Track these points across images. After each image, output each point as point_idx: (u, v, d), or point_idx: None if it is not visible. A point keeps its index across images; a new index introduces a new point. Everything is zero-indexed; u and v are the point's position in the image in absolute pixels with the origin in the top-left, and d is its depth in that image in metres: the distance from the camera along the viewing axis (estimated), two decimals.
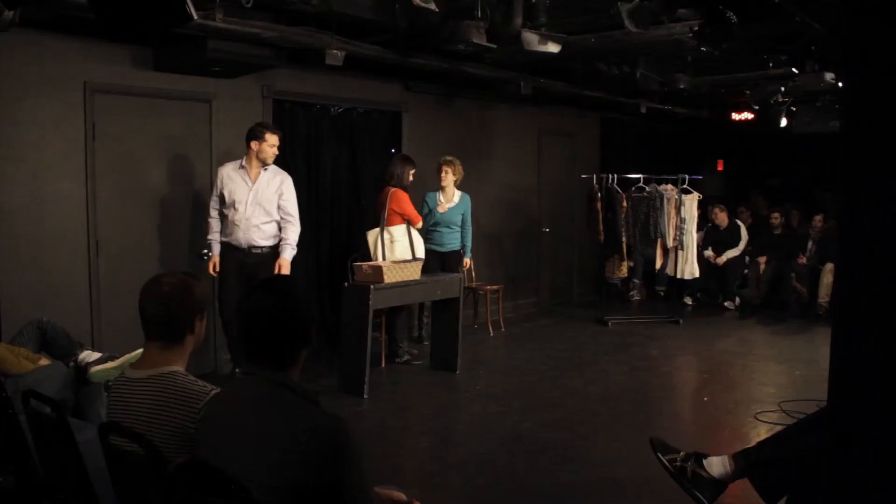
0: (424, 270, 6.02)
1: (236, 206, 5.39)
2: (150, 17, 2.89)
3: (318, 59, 5.43)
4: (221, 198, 5.46)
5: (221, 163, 5.90)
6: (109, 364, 3.79)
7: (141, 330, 2.19)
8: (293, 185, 5.61)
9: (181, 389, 2.08)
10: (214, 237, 5.54)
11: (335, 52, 5.38)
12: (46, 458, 2.37)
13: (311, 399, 1.89)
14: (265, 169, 5.45)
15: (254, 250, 5.43)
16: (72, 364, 3.86)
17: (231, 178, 5.42)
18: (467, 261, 6.97)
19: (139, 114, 5.53)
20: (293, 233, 5.53)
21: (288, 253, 5.50)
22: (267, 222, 5.45)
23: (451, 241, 6.79)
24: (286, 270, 5.44)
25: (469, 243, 6.89)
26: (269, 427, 1.80)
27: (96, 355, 3.89)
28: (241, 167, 5.42)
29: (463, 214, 6.78)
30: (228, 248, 5.48)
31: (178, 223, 5.81)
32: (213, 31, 4.68)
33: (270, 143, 5.37)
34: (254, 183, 5.40)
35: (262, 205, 5.41)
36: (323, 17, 5.18)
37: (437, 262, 6.69)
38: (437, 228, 6.73)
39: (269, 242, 5.50)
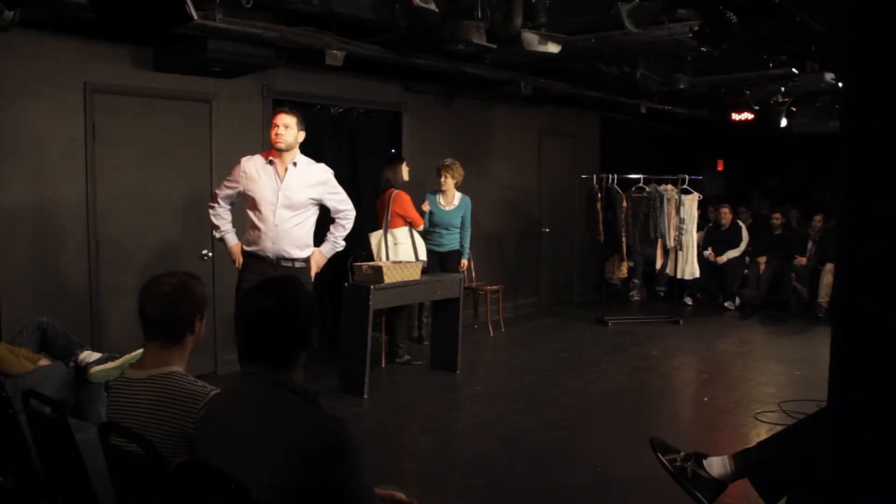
0: (423, 270, 6.03)
1: (261, 208, 4.58)
2: (150, 17, 2.89)
3: (318, 59, 5.43)
4: (242, 196, 4.70)
5: (220, 163, 5.89)
6: (109, 364, 3.80)
7: (141, 330, 2.19)
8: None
9: (181, 390, 2.08)
10: (226, 226, 4.78)
11: (335, 52, 5.37)
12: (46, 458, 2.37)
13: (312, 399, 1.89)
14: (294, 164, 4.64)
15: (283, 263, 4.62)
16: (72, 364, 3.87)
17: (257, 174, 4.61)
18: (465, 262, 6.97)
19: (139, 114, 5.53)
20: (342, 231, 4.90)
21: (326, 247, 4.89)
22: (297, 225, 4.64)
23: (450, 241, 6.80)
24: (315, 263, 4.82)
25: (467, 244, 6.89)
26: (269, 427, 1.80)
27: (96, 355, 3.89)
28: (270, 162, 4.63)
29: (463, 216, 6.78)
30: (253, 259, 4.66)
31: (178, 223, 5.80)
32: (213, 31, 4.68)
33: (274, 125, 4.60)
34: (282, 180, 4.59)
35: (294, 206, 4.62)
36: (323, 17, 5.18)
37: (436, 261, 6.70)
38: (437, 230, 6.75)
39: (303, 253, 4.70)
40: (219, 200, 4.77)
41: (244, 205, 4.76)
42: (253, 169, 4.63)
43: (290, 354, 1.93)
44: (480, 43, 5.10)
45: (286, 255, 4.64)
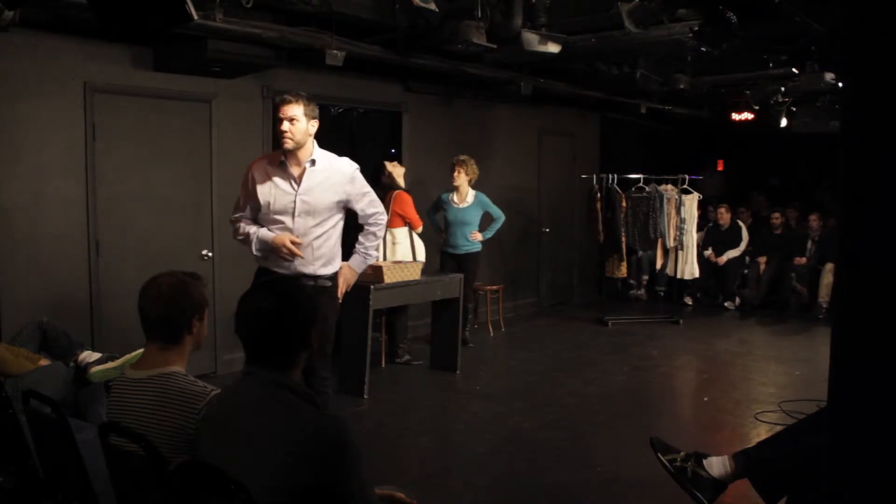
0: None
1: (276, 217, 3.81)
2: (150, 17, 2.89)
3: (318, 59, 5.43)
4: (255, 206, 3.87)
5: (220, 163, 5.88)
6: (109, 364, 3.80)
7: (141, 330, 2.19)
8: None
9: (181, 390, 2.08)
10: (252, 228, 3.88)
11: (335, 52, 5.37)
12: (46, 458, 2.37)
13: (312, 400, 1.89)
14: (312, 161, 3.83)
15: (305, 281, 3.74)
16: (72, 364, 3.87)
17: (268, 177, 3.82)
18: (477, 234, 6.81)
19: (139, 114, 5.53)
20: (373, 240, 4.10)
21: (356, 261, 4.07)
22: (320, 236, 3.84)
23: (466, 242, 6.77)
24: (344, 280, 3.99)
25: (492, 234, 6.90)
26: (269, 428, 1.80)
27: (96, 355, 3.90)
28: (281, 163, 3.82)
29: (486, 211, 6.79)
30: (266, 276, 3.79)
31: (178, 223, 5.80)
32: (213, 31, 4.68)
33: (279, 117, 3.75)
34: (299, 183, 3.80)
35: (316, 213, 3.82)
36: (323, 17, 5.17)
37: (453, 264, 6.67)
38: (451, 229, 6.72)
39: (328, 269, 3.90)
40: (242, 220, 3.95)
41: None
42: (263, 171, 3.85)
43: (290, 354, 1.93)
44: (480, 43, 5.10)
45: (307, 273, 3.81)
